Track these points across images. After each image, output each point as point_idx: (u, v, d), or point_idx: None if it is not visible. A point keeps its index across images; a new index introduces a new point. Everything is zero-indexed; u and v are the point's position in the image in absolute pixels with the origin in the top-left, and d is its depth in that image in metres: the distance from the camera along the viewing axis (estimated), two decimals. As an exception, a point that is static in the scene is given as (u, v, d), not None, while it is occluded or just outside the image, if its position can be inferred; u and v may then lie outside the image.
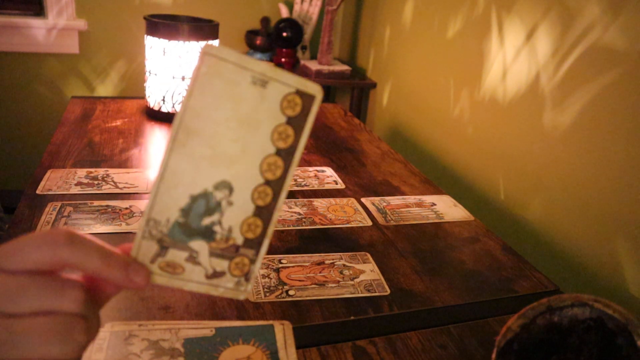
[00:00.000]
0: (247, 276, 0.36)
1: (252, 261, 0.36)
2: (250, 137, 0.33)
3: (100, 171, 0.92)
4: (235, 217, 0.34)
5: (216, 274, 0.35)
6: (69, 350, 0.29)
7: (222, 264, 0.35)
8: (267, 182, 0.34)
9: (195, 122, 0.32)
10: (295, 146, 0.34)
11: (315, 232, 0.79)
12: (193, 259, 0.35)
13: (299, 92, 0.33)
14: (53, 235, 0.30)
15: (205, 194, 0.33)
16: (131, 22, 2.03)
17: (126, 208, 0.80)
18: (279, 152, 0.34)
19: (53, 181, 0.87)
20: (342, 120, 1.39)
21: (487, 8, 1.32)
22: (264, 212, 0.35)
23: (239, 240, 0.35)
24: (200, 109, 0.32)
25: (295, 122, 0.34)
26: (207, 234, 0.34)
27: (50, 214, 0.76)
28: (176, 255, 0.34)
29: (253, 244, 0.35)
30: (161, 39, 1.16)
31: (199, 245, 0.34)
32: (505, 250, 0.80)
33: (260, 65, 0.32)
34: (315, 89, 0.34)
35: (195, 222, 0.34)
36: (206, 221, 0.34)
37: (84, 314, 0.30)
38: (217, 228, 0.34)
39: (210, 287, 0.36)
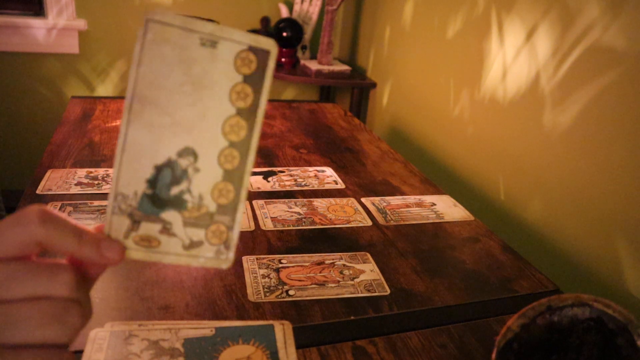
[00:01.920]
0: (226, 244, 0.35)
1: (230, 228, 0.35)
2: (207, 99, 0.32)
3: (100, 171, 0.92)
4: (204, 183, 0.34)
5: (194, 244, 0.34)
6: (64, 334, 0.30)
7: (198, 233, 0.34)
8: (232, 144, 0.33)
9: (148, 91, 0.32)
10: (256, 105, 0.33)
11: (315, 232, 0.79)
12: (167, 230, 0.34)
13: (252, 49, 0.32)
14: (25, 214, 0.30)
15: (170, 163, 0.33)
16: (131, 22, 2.03)
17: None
18: (240, 112, 0.33)
19: (53, 181, 0.87)
20: (342, 120, 1.39)
21: (487, 8, 1.32)
22: (234, 176, 0.34)
23: (212, 207, 0.34)
24: (151, 77, 0.31)
25: (253, 80, 0.33)
26: (178, 203, 0.34)
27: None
28: (149, 228, 0.34)
29: (227, 209, 0.34)
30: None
31: (171, 216, 0.34)
32: (505, 250, 0.80)
33: (208, 26, 0.31)
34: (268, 43, 0.32)
35: (163, 192, 0.33)
36: (175, 190, 0.33)
37: (76, 297, 0.30)
38: (187, 196, 0.34)
39: (190, 258, 0.35)
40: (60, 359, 0.30)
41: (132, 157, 0.32)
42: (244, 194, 0.35)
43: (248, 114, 0.33)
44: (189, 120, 0.32)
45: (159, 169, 0.33)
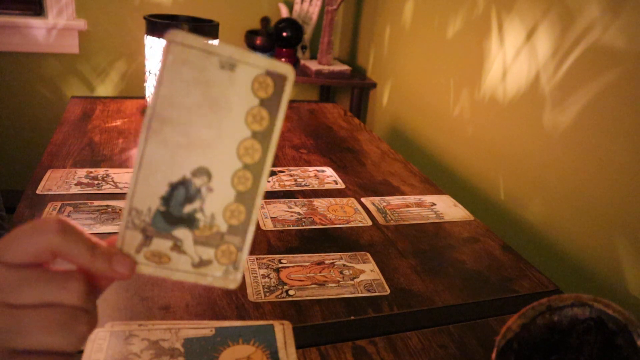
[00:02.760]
0: (235, 265, 0.36)
1: (239, 249, 0.35)
2: (223, 121, 0.33)
3: (100, 171, 0.92)
4: (216, 203, 0.34)
5: (203, 263, 0.35)
6: (71, 342, 0.30)
7: (208, 252, 0.35)
8: (246, 167, 0.34)
9: (167, 111, 0.32)
10: (271, 128, 0.34)
11: (315, 232, 0.79)
12: (178, 247, 0.35)
13: (270, 73, 0.33)
14: (45, 222, 0.31)
15: (184, 182, 0.33)
16: (131, 22, 2.03)
17: (126, 208, 0.80)
18: (255, 135, 0.34)
19: (53, 181, 0.87)
20: (342, 120, 1.39)
21: (487, 8, 1.32)
22: (246, 198, 0.34)
23: (223, 227, 0.35)
24: (171, 97, 0.32)
25: (269, 104, 0.33)
26: (190, 221, 0.34)
27: (50, 214, 0.76)
28: (161, 244, 0.34)
29: (238, 230, 0.35)
30: (161, 39, 1.16)
31: (183, 234, 0.34)
32: (505, 250, 0.80)
33: (227, 49, 0.32)
34: (285, 69, 0.33)
35: (176, 210, 0.34)
36: (187, 209, 0.34)
37: (85, 306, 0.31)
38: (199, 215, 0.34)
39: (199, 276, 0.35)
40: None
41: (148, 174, 0.33)
42: (255, 216, 0.35)
43: (263, 137, 0.34)
44: (205, 140, 0.33)
45: (173, 187, 0.33)
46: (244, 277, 0.66)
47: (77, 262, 0.32)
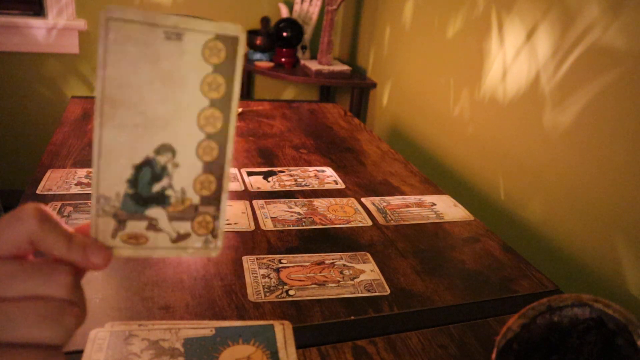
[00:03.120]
0: (213, 233, 0.35)
1: (215, 217, 0.35)
2: (179, 94, 0.32)
3: (100, 171, 0.92)
4: (185, 177, 0.34)
5: (181, 237, 0.35)
6: (59, 335, 0.30)
7: (184, 226, 0.35)
8: (210, 136, 0.33)
9: (117, 92, 0.31)
10: (230, 93, 0.33)
11: (315, 232, 0.79)
12: (153, 226, 0.34)
13: (220, 37, 0.31)
14: (23, 209, 0.30)
15: (149, 161, 0.33)
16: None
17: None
18: (213, 103, 0.32)
19: (53, 181, 0.87)
20: (342, 120, 1.39)
21: (487, 8, 1.32)
22: (214, 167, 0.34)
23: (196, 200, 0.34)
24: (119, 77, 0.31)
25: (224, 69, 0.32)
26: (161, 199, 0.34)
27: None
28: (136, 225, 0.34)
29: (211, 200, 0.35)
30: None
31: (156, 212, 0.34)
32: (505, 250, 0.80)
33: (171, 19, 0.31)
34: (236, 29, 0.32)
35: (145, 190, 0.33)
36: (156, 187, 0.33)
37: (73, 299, 0.31)
38: (169, 192, 0.34)
39: (179, 250, 0.35)
40: (54, 358, 0.30)
41: (109, 160, 0.32)
42: (226, 183, 0.35)
43: (222, 104, 0.33)
44: (163, 116, 0.32)
45: (138, 169, 0.33)
46: (243, 278, 0.66)
47: (54, 252, 0.31)
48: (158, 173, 0.33)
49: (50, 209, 0.31)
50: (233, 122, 0.33)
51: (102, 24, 0.30)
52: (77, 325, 0.31)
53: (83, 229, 0.34)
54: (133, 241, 0.34)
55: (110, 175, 0.32)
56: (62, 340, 0.30)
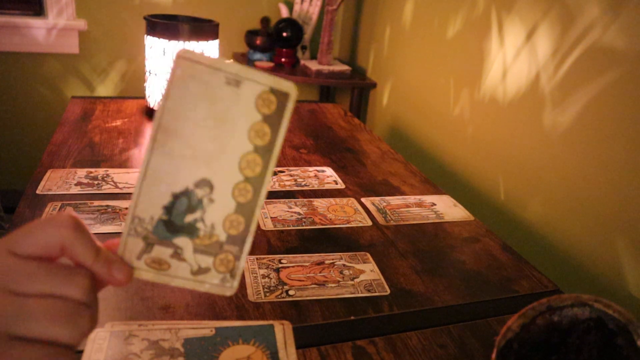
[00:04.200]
0: (232, 272, 0.37)
1: (237, 257, 0.37)
2: (227, 135, 0.34)
3: (100, 171, 0.92)
4: (217, 214, 0.36)
5: (201, 270, 0.36)
6: (73, 335, 0.31)
7: (206, 260, 0.36)
8: (247, 179, 0.35)
9: (173, 123, 0.33)
10: (273, 143, 0.35)
11: (315, 232, 0.79)
12: (178, 255, 0.36)
13: (273, 91, 0.34)
14: (61, 217, 0.32)
15: (187, 192, 0.35)
16: (131, 22, 2.03)
17: (126, 208, 0.80)
18: (257, 150, 0.35)
19: (53, 181, 0.87)
20: (342, 120, 1.39)
21: (487, 8, 1.32)
22: (245, 209, 0.36)
23: (222, 237, 0.36)
24: (177, 110, 0.33)
25: (271, 120, 0.35)
26: (191, 230, 0.36)
27: (50, 214, 0.76)
28: (161, 251, 0.36)
29: (236, 240, 0.36)
30: (161, 39, 1.16)
31: (183, 242, 0.36)
32: (505, 250, 0.80)
33: (234, 66, 0.33)
34: (288, 87, 0.34)
35: (178, 219, 0.35)
36: (189, 218, 0.35)
37: (89, 301, 0.32)
38: (200, 225, 0.36)
39: (196, 283, 0.37)
40: (66, 358, 0.31)
41: (151, 184, 0.34)
42: (253, 227, 0.36)
43: (264, 151, 0.35)
44: (208, 153, 0.34)
45: (176, 197, 0.35)
46: (243, 278, 0.66)
47: (80, 261, 0.32)
48: (194, 205, 0.35)
49: (82, 220, 0.33)
50: (271, 171, 0.36)
51: (174, 60, 0.33)
52: (90, 329, 0.32)
53: (111, 246, 0.35)
54: (156, 266, 0.36)
55: (150, 198, 0.35)
56: (75, 340, 0.31)
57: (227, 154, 0.35)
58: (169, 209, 0.35)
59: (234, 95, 0.34)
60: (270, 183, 0.36)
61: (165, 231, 0.35)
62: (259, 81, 0.34)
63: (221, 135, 0.34)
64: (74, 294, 0.31)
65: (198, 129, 0.34)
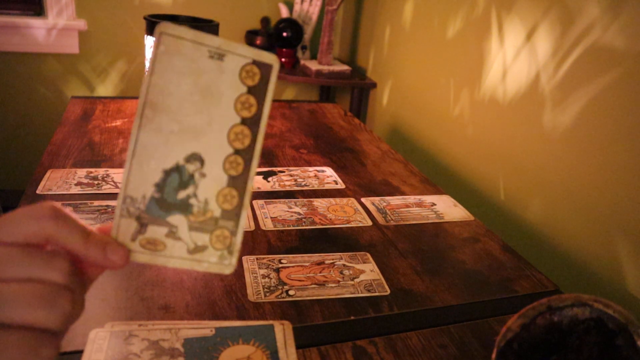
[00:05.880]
0: (229, 249, 0.36)
1: (233, 233, 0.36)
2: (214, 108, 0.34)
3: (100, 171, 0.92)
4: (209, 188, 0.35)
5: (198, 248, 0.36)
6: (53, 319, 0.30)
7: (203, 238, 0.36)
8: (237, 152, 0.35)
9: (159, 99, 0.34)
10: (259, 114, 0.35)
11: (315, 232, 0.79)
12: (173, 234, 0.35)
13: (256, 62, 0.35)
14: (39, 208, 0.31)
15: (178, 168, 0.35)
16: (131, 22, 2.03)
17: (126, 208, 0.80)
18: (244, 121, 0.35)
19: (53, 181, 0.87)
20: (342, 120, 1.39)
21: (487, 8, 1.32)
22: (238, 182, 0.36)
23: (217, 212, 0.36)
24: (162, 85, 0.34)
25: (257, 91, 0.35)
26: (184, 207, 0.35)
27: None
28: (156, 231, 0.35)
29: (231, 215, 0.36)
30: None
31: (178, 220, 0.35)
32: (505, 250, 0.80)
33: (216, 40, 0.34)
34: (271, 58, 0.35)
35: (170, 196, 0.35)
36: (181, 195, 0.35)
37: (69, 284, 0.31)
38: (193, 201, 0.35)
39: (194, 262, 0.36)
40: (48, 344, 0.30)
41: (141, 161, 0.34)
42: (247, 200, 0.36)
43: (252, 123, 0.35)
44: (196, 127, 0.34)
45: (167, 173, 0.34)
46: (243, 278, 0.66)
47: (70, 248, 0.32)
48: (185, 180, 0.35)
49: (65, 209, 0.32)
50: (260, 142, 0.35)
51: (156, 36, 0.33)
52: (73, 312, 0.31)
53: (104, 230, 0.35)
54: (151, 247, 0.35)
55: (140, 176, 0.34)
56: (56, 323, 0.30)
57: (215, 127, 0.35)
58: (160, 186, 0.34)
59: (218, 69, 0.34)
60: (260, 155, 0.36)
61: (158, 209, 0.35)
62: (242, 54, 0.34)
63: (208, 109, 0.34)
64: (52, 277, 0.31)
65: (185, 104, 0.34)
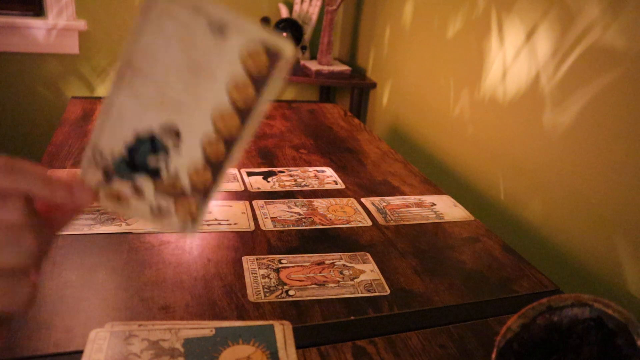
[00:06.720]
0: (193, 218, 0.35)
1: (199, 207, 0.34)
2: (202, 86, 0.31)
3: (100, 171, 0.92)
4: (183, 163, 0.33)
5: (162, 213, 0.35)
6: (20, 257, 0.31)
7: (167, 204, 0.34)
8: (219, 133, 0.32)
9: (142, 62, 0.31)
10: (254, 104, 0.31)
11: (315, 232, 0.79)
12: (137, 193, 0.34)
13: (265, 46, 0.29)
14: None
15: (151, 135, 0.32)
16: (131, 22, 2.02)
17: (126, 208, 0.80)
18: (234, 105, 0.31)
19: (53, 181, 0.87)
20: (342, 120, 1.39)
21: (487, 8, 1.32)
22: (214, 164, 0.33)
23: (186, 185, 0.34)
24: (148, 50, 0.30)
25: (257, 79, 0.30)
26: (153, 173, 0.34)
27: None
28: (121, 186, 0.34)
29: (201, 191, 0.34)
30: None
31: (144, 182, 0.34)
32: (505, 250, 0.80)
33: (219, 10, 0.29)
34: (284, 45, 0.29)
35: (140, 160, 0.33)
36: (151, 161, 0.33)
37: (28, 222, 0.31)
38: (163, 170, 0.33)
39: (155, 221, 0.35)
40: (23, 284, 0.31)
41: (115, 120, 0.32)
42: (220, 182, 0.34)
43: (244, 112, 0.31)
44: (179, 100, 0.31)
45: (139, 139, 0.33)
46: (243, 278, 0.66)
47: (35, 195, 0.32)
48: (157, 148, 0.33)
49: (20, 160, 0.32)
50: (248, 133, 0.32)
51: None
52: (40, 249, 0.32)
53: (70, 174, 0.35)
54: (114, 200, 0.34)
55: (112, 134, 0.33)
56: (22, 262, 0.31)
57: (200, 104, 0.31)
58: (131, 149, 0.33)
59: (217, 46, 0.29)
60: (246, 144, 0.33)
61: (126, 168, 0.33)
62: (249, 33, 0.29)
63: (195, 85, 0.31)
64: (8, 216, 0.31)
65: (170, 75, 0.30)
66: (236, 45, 0.29)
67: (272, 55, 0.29)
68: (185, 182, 0.34)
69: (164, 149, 0.33)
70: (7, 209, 0.31)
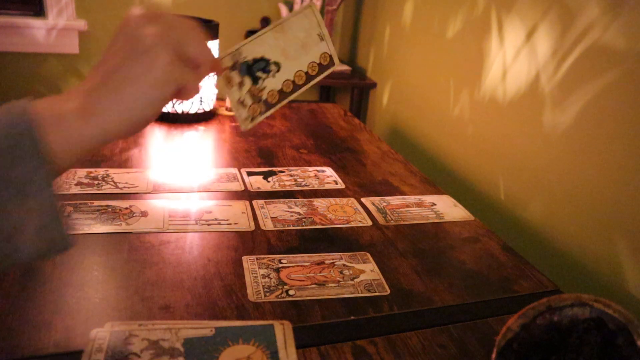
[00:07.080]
0: (253, 118, 0.57)
1: (261, 113, 0.57)
2: (302, 57, 0.58)
3: (100, 171, 0.92)
4: (271, 83, 0.57)
5: (242, 103, 0.56)
6: (206, 53, 0.47)
7: (248, 101, 0.56)
8: (293, 81, 0.57)
9: (288, 30, 0.56)
10: (313, 79, 0.58)
11: (315, 232, 0.79)
12: (239, 84, 0.56)
13: (330, 56, 0.58)
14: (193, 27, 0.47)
15: (268, 61, 0.56)
16: (131, 22, 2.03)
17: (126, 208, 0.80)
18: (307, 73, 0.58)
19: (53, 181, 0.87)
20: (342, 120, 1.39)
21: (487, 8, 1.32)
22: (283, 93, 0.57)
23: (263, 97, 0.57)
24: (293, 27, 0.56)
25: (320, 67, 0.58)
26: (254, 79, 0.56)
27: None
28: (235, 76, 0.55)
29: (267, 105, 0.57)
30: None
31: (247, 81, 0.56)
32: (505, 250, 0.80)
33: (325, 29, 0.57)
34: (337, 60, 0.59)
35: (255, 69, 0.56)
36: (259, 73, 0.56)
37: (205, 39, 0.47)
38: (260, 81, 0.56)
39: (234, 106, 0.56)
40: (198, 78, 0.46)
41: (258, 43, 0.55)
42: (279, 105, 0.57)
43: (308, 78, 0.58)
44: (290, 55, 0.57)
45: (261, 59, 0.56)
46: (243, 278, 0.66)
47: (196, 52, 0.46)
48: (265, 69, 0.56)
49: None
50: (305, 88, 0.58)
51: (309, 6, 0.56)
52: (204, 70, 0.47)
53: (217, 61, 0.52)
54: (227, 81, 0.55)
55: (254, 48, 0.55)
56: (205, 58, 0.47)
57: (296, 63, 0.57)
58: (255, 61, 0.55)
59: (317, 44, 0.58)
60: (302, 91, 0.59)
61: (244, 69, 0.55)
62: (329, 47, 0.58)
63: (300, 54, 0.57)
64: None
65: (294, 43, 0.57)
66: (322, 47, 0.58)
67: (331, 61, 0.59)
68: (264, 95, 0.57)
69: (268, 71, 0.56)
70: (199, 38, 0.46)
